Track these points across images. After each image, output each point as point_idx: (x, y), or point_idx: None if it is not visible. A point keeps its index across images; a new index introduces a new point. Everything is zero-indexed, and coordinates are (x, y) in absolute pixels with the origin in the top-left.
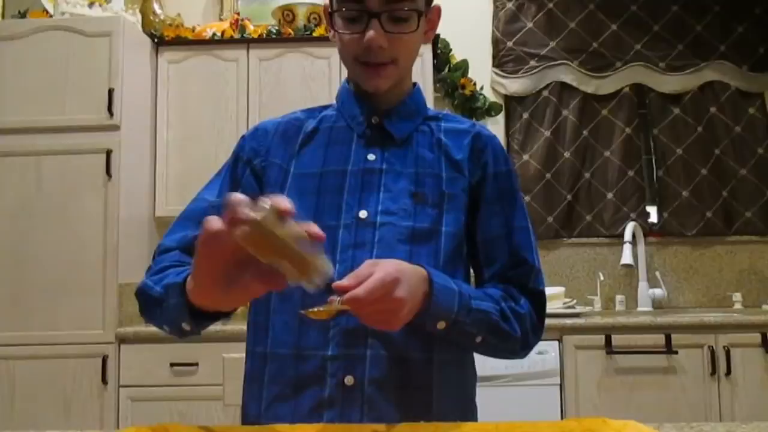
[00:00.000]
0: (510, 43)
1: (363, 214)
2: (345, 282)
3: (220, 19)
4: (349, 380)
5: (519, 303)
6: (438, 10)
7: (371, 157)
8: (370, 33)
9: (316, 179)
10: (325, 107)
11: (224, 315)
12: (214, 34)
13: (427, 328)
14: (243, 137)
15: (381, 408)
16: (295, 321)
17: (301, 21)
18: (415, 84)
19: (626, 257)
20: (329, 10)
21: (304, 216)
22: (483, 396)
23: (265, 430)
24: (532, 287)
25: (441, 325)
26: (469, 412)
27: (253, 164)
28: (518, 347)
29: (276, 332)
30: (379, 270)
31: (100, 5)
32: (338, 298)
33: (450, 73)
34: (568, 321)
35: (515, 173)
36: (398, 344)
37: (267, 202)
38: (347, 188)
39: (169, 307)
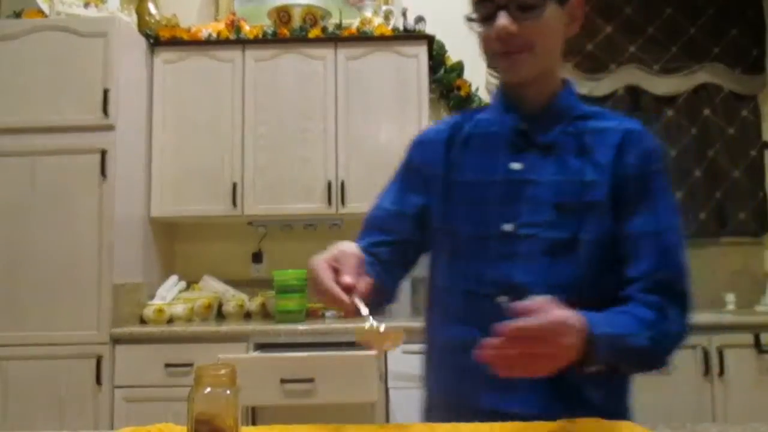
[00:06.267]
0: None
1: (508, 227)
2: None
3: (216, 20)
4: None
5: (669, 319)
6: (580, 1)
7: (516, 166)
8: (498, 21)
9: (468, 189)
10: (482, 109)
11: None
12: (209, 35)
13: (579, 370)
14: (411, 146)
15: (530, 397)
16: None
17: (296, 22)
18: (566, 81)
19: None
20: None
21: (452, 223)
22: None
23: (268, 429)
24: (680, 289)
25: (593, 369)
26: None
27: (422, 172)
28: (660, 367)
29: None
30: (549, 311)
31: (96, 5)
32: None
33: (445, 74)
34: None
35: (663, 172)
36: None
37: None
38: (492, 200)
39: None
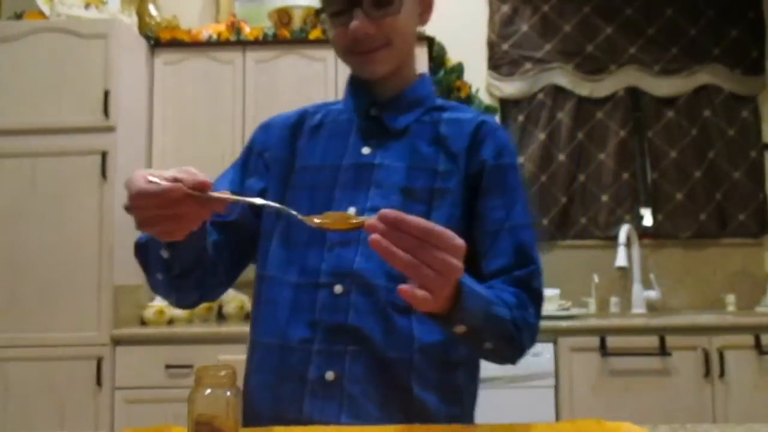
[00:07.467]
0: (505, 46)
1: (351, 211)
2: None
3: (216, 21)
4: (330, 375)
5: (528, 311)
6: None
7: (366, 150)
8: (354, 23)
9: (314, 174)
10: (337, 102)
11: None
12: (210, 36)
13: (445, 330)
14: (256, 129)
15: (360, 405)
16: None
17: (297, 23)
18: (422, 75)
19: (621, 259)
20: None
21: (290, 207)
22: (478, 398)
23: (268, 430)
24: (536, 287)
25: (461, 329)
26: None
27: (264, 156)
28: (517, 356)
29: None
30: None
31: (96, 7)
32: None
33: (445, 75)
34: (563, 323)
35: (518, 167)
36: (378, 343)
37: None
38: (339, 184)
39: (148, 247)
